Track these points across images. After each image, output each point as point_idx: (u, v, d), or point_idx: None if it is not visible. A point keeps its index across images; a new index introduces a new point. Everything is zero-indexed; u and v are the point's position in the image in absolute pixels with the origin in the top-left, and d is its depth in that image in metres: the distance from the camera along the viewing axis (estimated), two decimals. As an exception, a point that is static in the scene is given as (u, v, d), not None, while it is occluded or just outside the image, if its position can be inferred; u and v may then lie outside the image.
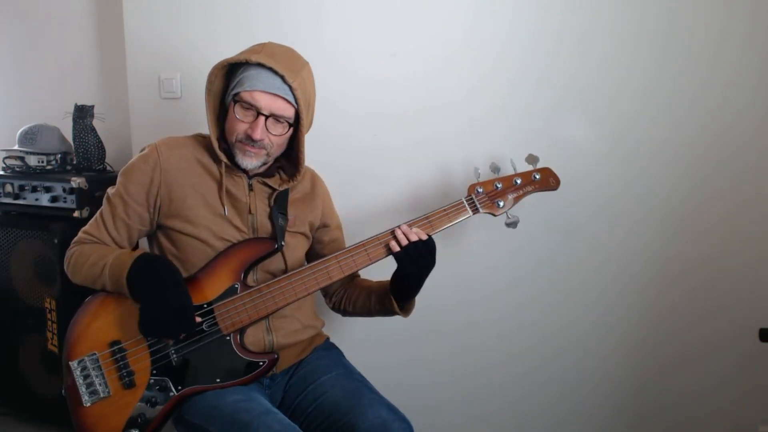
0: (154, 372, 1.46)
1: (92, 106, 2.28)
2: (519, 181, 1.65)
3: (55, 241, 2.13)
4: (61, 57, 2.59)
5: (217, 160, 1.52)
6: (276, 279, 1.49)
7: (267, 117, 1.44)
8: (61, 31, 2.57)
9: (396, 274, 1.54)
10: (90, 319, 1.48)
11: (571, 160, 1.86)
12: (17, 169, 2.29)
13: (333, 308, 1.73)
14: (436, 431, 2.06)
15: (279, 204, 1.56)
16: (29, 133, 2.31)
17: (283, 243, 1.53)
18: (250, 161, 1.48)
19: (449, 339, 2.06)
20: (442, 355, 2.07)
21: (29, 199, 2.21)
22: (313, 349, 1.63)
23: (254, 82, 1.43)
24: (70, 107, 2.28)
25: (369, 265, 1.53)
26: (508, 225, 1.63)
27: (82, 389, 1.44)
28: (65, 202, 2.16)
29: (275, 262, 1.54)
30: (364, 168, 2.02)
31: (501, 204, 1.62)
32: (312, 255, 1.67)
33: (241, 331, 1.49)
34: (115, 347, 1.46)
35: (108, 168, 2.34)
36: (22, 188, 2.22)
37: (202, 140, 1.56)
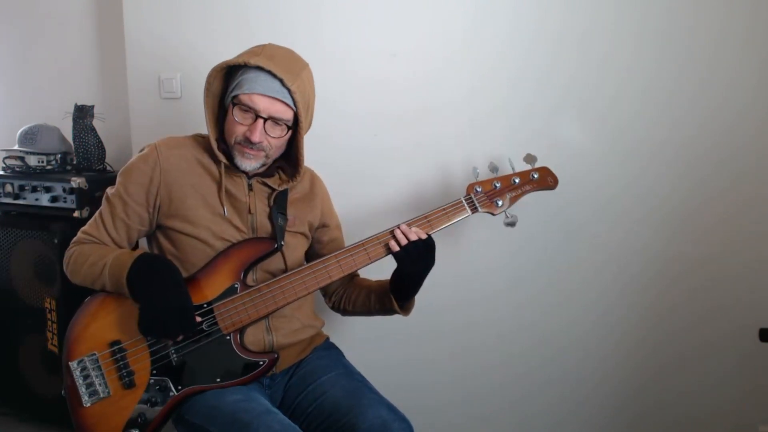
0: (154, 372, 1.46)
1: (92, 106, 2.28)
2: (517, 181, 1.66)
3: (55, 241, 2.13)
4: (61, 57, 2.59)
5: (216, 160, 1.52)
6: (276, 279, 1.50)
7: (265, 120, 1.44)
8: (61, 31, 2.58)
9: (396, 274, 1.54)
10: (90, 319, 1.48)
11: (571, 160, 1.86)
12: (17, 169, 2.29)
13: (333, 308, 1.73)
14: (436, 431, 2.06)
15: (278, 204, 1.56)
16: (29, 133, 2.31)
17: (282, 243, 1.53)
18: (249, 163, 1.48)
19: (449, 339, 2.06)
20: (442, 355, 2.07)
21: (29, 199, 2.21)
22: (313, 349, 1.63)
23: (253, 84, 1.43)
24: (70, 107, 2.28)
25: (368, 264, 1.53)
26: (507, 224, 1.64)
27: (82, 389, 1.44)
28: (65, 202, 2.16)
29: (275, 262, 1.54)
30: (364, 168, 2.02)
31: (500, 203, 1.62)
32: (311, 255, 1.67)
33: (241, 330, 1.49)
34: (115, 347, 1.46)
35: (108, 168, 2.34)
36: (22, 188, 2.22)
37: (201, 140, 1.57)
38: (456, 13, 1.92)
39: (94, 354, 1.45)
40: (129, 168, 1.52)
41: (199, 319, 1.44)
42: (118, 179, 1.53)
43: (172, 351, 1.46)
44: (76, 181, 2.13)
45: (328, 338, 1.70)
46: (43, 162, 2.30)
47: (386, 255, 1.52)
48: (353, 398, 1.47)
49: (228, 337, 1.47)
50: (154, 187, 1.50)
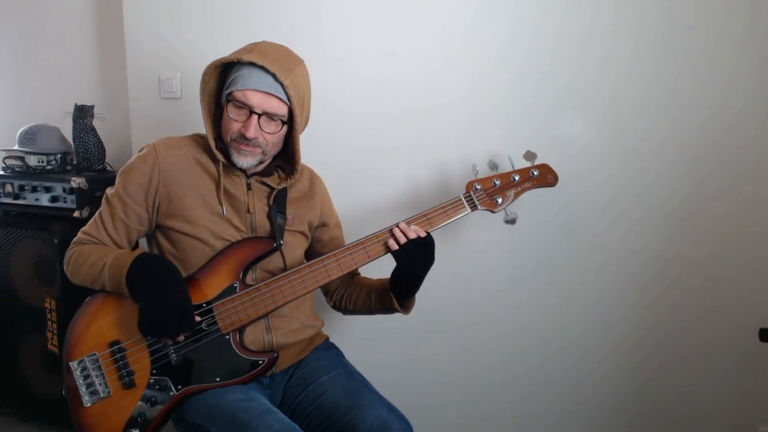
0: (154, 372, 1.46)
1: (92, 106, 2.28)
2: (517, 178, 1.65)
3: (55, 241, 2.13)
4: (61, 57, 2.59)
5: (215, 159, 1.52)
6: (275, 278, 1.50)
7: (260, 115, 1.44)
8: (61, 31, 2.58)
9: (395, 272, 1.54)
10: (90, 319, 1.48)
11: (571, 160, 1.86)
12: (17, 169, 2.29)
13: (334, 307, 1.73)
14: (436, 431, 2.06)
15: (278, 203, 1.56)
16: (29, 133, 2.31)
17: (281, 242, 1.53)
18: (246, 160, 1.48)
19: (449, 339, 2.06)
20: (442, 355, 2.07)
21: (29, 199, 2.21)
22: (313, 349, 1.63)
23: (246, 81, 1.43)
24: (70, 107, 2.28)
25: (368, 263, 1.53)
26: (507, 222, 1.63)
27: (83, 389, 1.44)
28: (65, 202, 2.16)
29: (274, 261, 1.54)
30: (364, 168, 2.02)
31: (499, 201, 1.62)
32: (311, 254, 1.67)
33: (241, 330, 1.49)
34: (115, 347, 1.46)
35: (108, 168, 2.34)
36: (22, 188, 2.22)
37: (200, 140, 1.57)
38: (456, 13, 1.92)
39: (95, 354, 1.45)
40: (128, 168, 1.52)
41: (198, 318, 1.44)
42: (117, 179, 1.53)
43: (172, 351, 1.46)
44: (76, 181, 2.13)
45: (327, 338, 1.70)
46: (43, 162, 2.30)
47: (385, 254, 1.52)
48: (353, 398, 1.47)
49: (227, 337, 1.47)
50: (153, 187, 1.50)
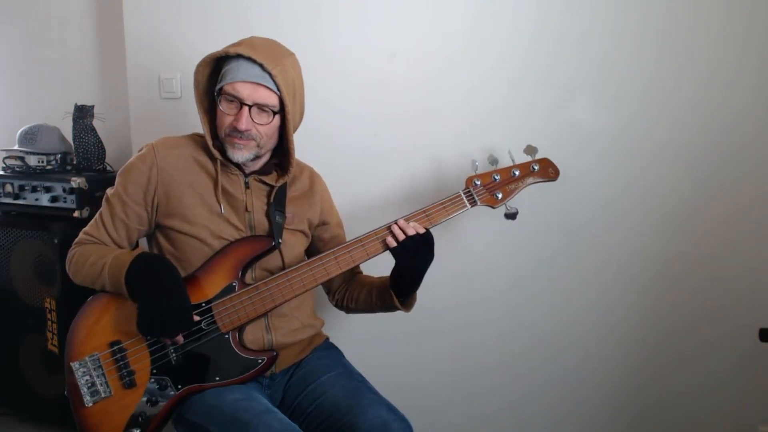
0: (154, 371, 1.46)
1: (92, 106, 2.28)
2: (517, 173, 1.63)
3: (55, 241, 2.13)
4: (61, 57, 2.59)
5: (213, 158, 1.53)
6: (273, 276, 1.49)
7: (250, 107, 1.44)
8: (61, 31, 2.57)
9: (394, 269, 1.54)
10: (90, 320, 1.48)
11: (571, 159, 1.86)
12: (17, 169, 2.29)
13: (336, 305, 1.73)
14: (436, 431, 2.06)
15: (277, 201, 1.56)
16: (29, 133, 2.31)
17: (280, 240, 1.53)
18: (241, 153, 1.48)
19: (449, 339, 2.06)
20: (442, 355, 2.07)
21: (29, 199, 2.21)
22: (313, 349, 1.63)
23: (235, 73, 1.44)
24: (70, 107, 2.28)
25: (366, 260, 1.52)
26: (508, 217, 1.61)
27: (84, 390, 1.45)
28: (65, 202, 2.16)
29: (273, 260, 1.54)
30: (364, 168, 2.02)
31: (499, 196, 1.60)
32: (313, 253, 1.67)
33: (240, 329, 1.49)
34: (116, 347, 1.46)
35: (108, 168, 2.34)
36: (22, 188, 2.22)
37: (199, 139, 1.57)
38: (456, 13, 1.92)
39: (96, 354, 1.46)
40: (127, 168, 1.53)
41: (197, 318, 1.45)
42: (117, 180, 1.53)
43: (172, 350, 1.46)
44: (76, 181, 2.13)
45: (327, 338, 1.70)
46: (43, 162, 2.30)
47: (384, 251, 1.51)
48: (353, 398, 1.47)
49: (227, 336, 1.47)
50: (152, 186, 1.50)
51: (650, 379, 1.94)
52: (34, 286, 2.22)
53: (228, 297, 1.47)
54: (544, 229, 1.94)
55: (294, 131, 1.56)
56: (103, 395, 1.45)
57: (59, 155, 2.35)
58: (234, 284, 1.48)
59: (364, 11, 1.98)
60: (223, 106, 1.46)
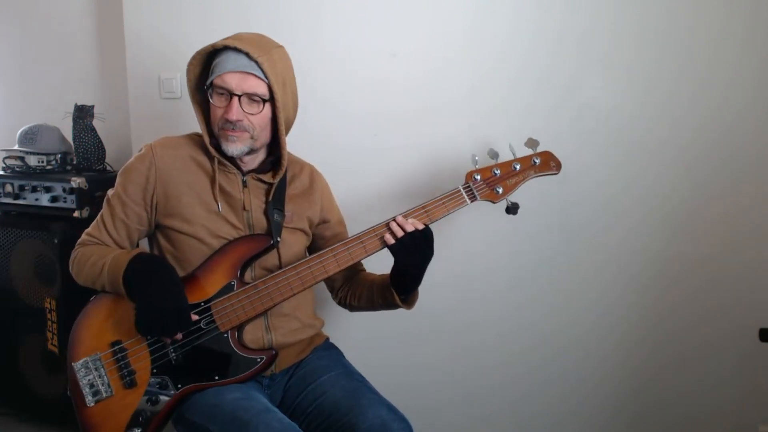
0: (155, 371, 1.46)
1: (92, 106, 2.28)
2: (518, 167, 1.60)
3: (55, 241, 2.13)
4: (61, 57, 2.59)
5: (210, 156, 1.53)
6: (272, 275, 1.49)
7: (240, 96, 1.44)
8: (61, 31, 2.57)
9: (394, 266, 1.53)
10: (92, 321, 1.49)
11: (571, 159, 1.85)
12: (17, 169, 2.29)
13: (339, 303, 1.73)
14: (436, 431, 2.06)
15: (276, 200, 1.56)
16: (29, 133, 2.31)
17: (279, 239, 1.53)
18: (235, 146, 1.48)
19: (449, 339, 2.06)
20: (442, 355, 2.07)
21: (29, 199, 2.21)
22: (313, 349, 1.63)
23: (223, 65, 1.45)
24: (70, 107, 2.28)
25: (365, 257, 1.51)
26: (509, 211, 1.58)
27: (86, 390, 1.46)
28: (65, 202, 2.16)
29: (272, 259, 1.54)
30: (364, 167, 2.02)
31: (500, 191, 1.58)
32: (315, 251, 1.65)
33: (240, 328, 1.49)
34: (116, 347, 1.47)
35: (108, 168, 2.34)
36: (22, 188, 2.22)
37: (197, 138, 1.57)
38: (456, 13, 1.92)
39: (97, 354, 1.46)
40: (126, 169, 1.54)
41: (196, 317, 1.45)
42: (117, 180, 1.54)
43: (171, 350, 1.46)
44: (76, 181, 2.13)
45: (328, 338, 1.70)
46: (43, 162, 2.30)
47: (382, 248, 1.50)
48: (353, 398, 1.47)
49: (226, 335, 1.47)
50: (150, 186, 1.51)
51: (650, 379, 1.94)
52: (34, 286, 2.22)
53: (227, 296, 1.47)
54: (544, 229, 1.94)
55: (288, 126, 1.56)
56: (104, 395, 1.46)
57: (59, 155, 2.35)
58: (233, 283, 1.48)
59: (364, 11, 1.98)
60: (215, 100, 1.47)
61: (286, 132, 1.57)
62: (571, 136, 1.88)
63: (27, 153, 2.28)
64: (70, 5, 2.54)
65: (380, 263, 1.59)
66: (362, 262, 1.66)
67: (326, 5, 2.00)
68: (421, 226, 1.49)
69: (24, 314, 2.24)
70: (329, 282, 1.71)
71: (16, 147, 2.31)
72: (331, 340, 1.71)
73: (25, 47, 2.67)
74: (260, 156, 1.56)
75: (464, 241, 1.99)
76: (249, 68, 1.43)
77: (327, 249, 1.51)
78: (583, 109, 1.87)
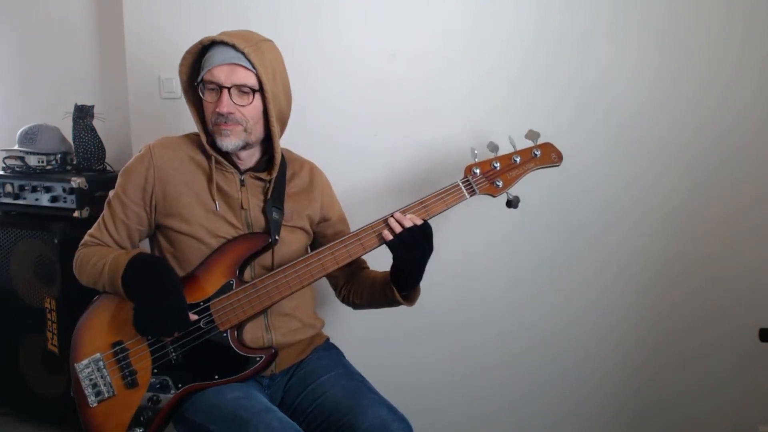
0: (155, 371, 1.47)
1: (92, 106, 2.28)
2: (518, 159, 1.57)
3: (55, 241, 2.14)
4: (61, 57, 2.59)
5: (208, 156, 1.53)
6: (270, 273, 1.49)
7: (230, 89, 1.44)
8: (61, 31, 2.57)
9: (393, 263, 1.52)
10: (93, 321, 1.50)
11: (571, 159, 1.85)
12: (17, 169, 2.29)
13: (343, 301, 1.72)
14: (436, 431, 2.06)
15: (274, 198, 1.56)
16: (29, 133, 2.31)
17: (277, 237, 1.53)
18: (229, 140, 1.47)
19: (449, 339, 2.06)
20: (442, 355, 2.07)
21: (29, 199, 2.21)
22: (313, 350, 1.63)
23: (211, 60, 1.46)
24: (70, 107, 2.28)
25: (364, 254, 1.51)
26: (509, 205, 1.56)
27: (88, 390, 1.46)
28: (65, 202, 2.16)
29: (271, 257, 1.54)
30: (365, 168, 2.02)
31: (500, 184, 1.55)
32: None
33: (239, 327, 1.49)
34: (118, 347, 1.47)
35: (108, 168, 2.34)
36: (22, 188, 2.22)
37: (195, 138, 1.57)
38: (456, 13, 1.92)
39: (99, 355, 1.47)
40: (126, 170, 1.55)
41: (195, 317, 1.45)
42: (117, 181, 1.55)
43: (171, 350, 1.46)
44: (76, 181, 2.13)
45: (328, 339, 1.70)
46: (43, 162, 2.30)
47: (381, 244, 1.49)
48: (353, 398, 1.47)
49: (225, 334, 1.47)
50: (149, 186, 1.51)
51: (650, 379, 1.94)
52: (34, 286, 2.22)
53: (225, 295, 1.47)
54: (544, 229, 1.94)
55: (284, 120, 1.56)
56: (106, 395, 1.46)
57: (59, 155, 2.35)
58: (231, 282, 1.48)
59: (364, 11, 1.98)
60: (206, 96, 1.48)
61: (283, 128, 1.58)
62: (571, 136, 1.87)
63: (27, 153, 2.28)
64: (70, 5, 2.54)
65: (385, 260, 1.58)
66: (365, 260, 1.66)
67: (326, 5, 2.00)
68: (419, 222, 1.48)
69: (24, 314, 2.24)
70: (332, 280, 1.71)
71: (16, 147, 2.31)
72: (332, 340, 1.71)
73: (25, 47, 2.67)
74: (257, 154, 1.56)
75: (464, 241, 1.99)
76: (236, 59, 1.44)
77: (325, 247, 1.50)
78: (583, 109, 1.87)
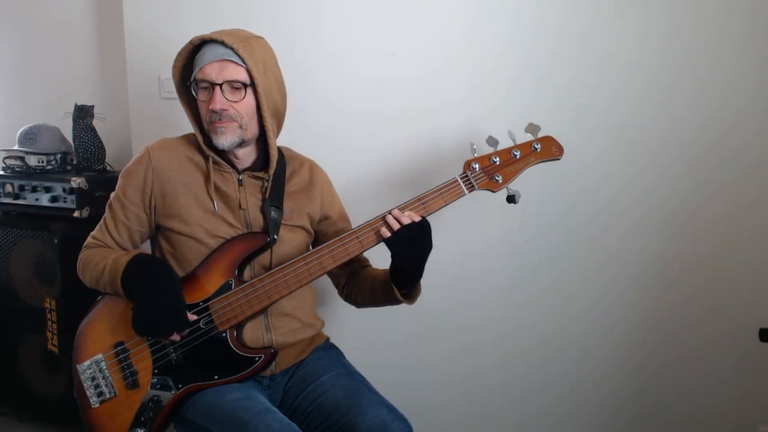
0: (156, 371, 1.47)
1: (92, 106, 2.29)
2: (518, 154, 1.54)
3: (55, 241, 2.14)
4: (61, 57, 2.59)
5: (205, 156, 1.53)
6: (268, 273, 1.49)
7: (221, 85, 1.45)
8: (61, 31, 2.58)
9: (392, 260, 1.50)
10: (95, 322, 1.51)
11: (571, 159, 1.85)
12: (17, 169, 2.29)
13: (346, 299, 1.71)
14: (436, 431, 2.06)
15: (273, 197, 1.55)
16: (29, 133, 2.31)
17: (275, 237, 1.53)
18: (225, 138, 1.47)
19: (449, 339, 2.05)
20: (442, 355, 2.07)
21: (29, 199, 2.21)
22: (313, 350, 1.63)
23: (202, 59, 1.46)
24: (70, 107, 2.28)
25: (362, 252, 1.50)
26: (509, 200, 1.53)
27: (90, 391, 1.47)
28: (65, 202, 2.16)
29: (270, 257, 1.54)
30: (365, 168, 2.02)
31: (499, 179, 1.52)
32: None
33: (239, 327, 1.49)
34: (119, 348, 1.48)
35: (108, 168, 2.34)
36: (22, 188, 2.22)
37: (193, 139, 1.57)
38: (456, 13, 1.92)
39: (100, 356, 1.48)
40: (125, 172, 1.55)
41: (194, 317, 1.45)
42: (117, 183, 1.56)
43: (171, 350, 1.46)
44: (76, 181, 2.13)
45: (328, 339, 1.70)
46: (43, 162, 2.31)
47: (379, 242, 1.48)
48: (353, 398, 1.47)
49: (224, 334, 1.47)
50: (148, 187, 1.52)
51: (650, 379, 1.94)
52: (34, 286, 2.22)
53: (224, 295, 1.47)
54: (544, 229, 1.94)
55: (280, 117, 1.57)
56: (108, 396, 1.47)
57: (59, 155, 2.35)
58: (230, 282, 1.48)
59: (364, 11, 1.98)
60: (199, 95, 1.48)
61: (280, 124, 1.58)
62: (570, 136, 1.87)
63: (27, 153, 2.29)
64: (70, 5, 2.54)
65: (387, 257, 1.57)
66: (368, 258, 1.66)
67: (326, 5, 2.00)
68: (417, 218, 1.46)
69: (24, 314, 2.24)
70: (334, 279, 1.70)
71: (16, 147, 2.31)
72: (332, 340, 1.71)
73: (25, 47, 2.67)
74: (254, 152, 1.56)
75: (464, 241, 1.99)
76: (226, 56, 1.44)
77: (323, 245, 1.50)
78: (583, 109, 1.87)
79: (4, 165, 2.32)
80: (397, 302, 1.55)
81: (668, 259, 1.88)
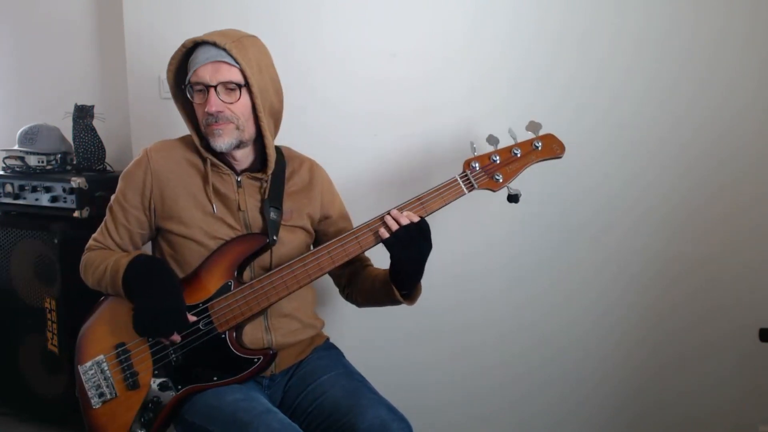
0: (156, 372, 1.47)
1: (92, 106, 2.29)
2: (518, 152, 1.51)
3: (55, 241, 2.14)
4: (61, 57, 2.59)
5: (203, 158, 1.53)
6: (267, 274, 1.49)
7: (216, 87, 1.44)
8: (61, 31, 2.58)
9: (391, 261, 1.50)
10: (97, 323, 1.52)
11: (571, 159, 1.85)
12: (17, 169, 2.29)
13: (347, 299, 1.71)
14: (436, 431, 2.06)
15: (272, 198, 1.55)
16: (29, 133, 2.31)
17: (275, 238, 1.53)
18: (222, 140, 1.47)
19: (449, 339, 2.05)
20: (442, 355, 2.07)
21: (29, 199, 2.21)
22: (313, 350, 1.63)
23: (195, 62, 1.46)
24: (70, 107, 2.28)
25: (361, 252, 1.50)
26: (511, 200, 1.51)
27: (91, 392, 1.48)
28: (65, 202, 2.16)
29: (269, 258, 1.54)
30: (364, 167, 2.02)
31: (499, 178, 1.50)
32: None
33: (238, 329, 1.49)
34: (120, 349, 1.48)
35: (108, 168, 2.34)
36: (22, 188, 2.22)
37: (191, 140, 1.57)
38: (456, 13, 1.92)
39: (101, 357, 1.48)
40: (125, 174, 1.56)
41: (193, 318, 1.45)
42: (117, 186, 1.57)
43: (171, 351, 1.46)
44: (76, 181, 2.13)
45: (328, 339, 1.70)
46: (43, 162, 2.31)
47: (378, 242, 1.47)
48: (353, 398, 1.47)
49: (224, 336, 1.47)
50: (147, 189, 1.52)
51: (650, 379, 1.94)
52: (34, 286, 2.22)
53: (224, 296, 1.47)
54: (544, 229, 1.94)
55: (277, 117, 1.56)
56: (108, 397, 1.48)
57: (59, 155, 2.35)
58: (230, 283, 1.48)
59: (364, 11, 1.98)
60: (195, 98, 1.48)
61: (277, 123, 1.58)
62: (570, 135, 1.87)
63: (27, 153, 2.29)
64: (70, 5, 2.54)
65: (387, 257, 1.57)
66: (369, 257, 1.66)
67: (326, 5, 2.00)
68: (416, 219, 1.45)
69: (24, 314, 2.24)
70: (335, 279, 1.70)
71: (16, 147, 2.31)
72: (331, 340, 1.71)
73: (25, 47, 2.67)
74: (252, 153, 1.56)
75: (464, 241, 1.99)
76: (219, 57, 1.44)
77: (322, 246, 1.49)
78: (583, 109, 1.87)
79: (4, 165, 2.32)
80: (397, 302, 1.55)
81: (668, 259, 1.88)
